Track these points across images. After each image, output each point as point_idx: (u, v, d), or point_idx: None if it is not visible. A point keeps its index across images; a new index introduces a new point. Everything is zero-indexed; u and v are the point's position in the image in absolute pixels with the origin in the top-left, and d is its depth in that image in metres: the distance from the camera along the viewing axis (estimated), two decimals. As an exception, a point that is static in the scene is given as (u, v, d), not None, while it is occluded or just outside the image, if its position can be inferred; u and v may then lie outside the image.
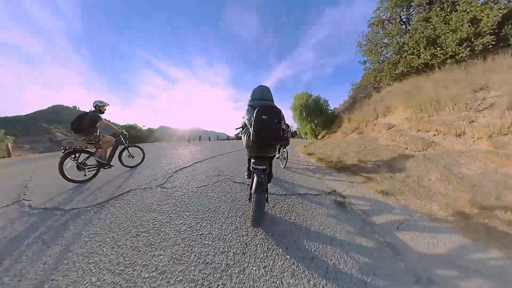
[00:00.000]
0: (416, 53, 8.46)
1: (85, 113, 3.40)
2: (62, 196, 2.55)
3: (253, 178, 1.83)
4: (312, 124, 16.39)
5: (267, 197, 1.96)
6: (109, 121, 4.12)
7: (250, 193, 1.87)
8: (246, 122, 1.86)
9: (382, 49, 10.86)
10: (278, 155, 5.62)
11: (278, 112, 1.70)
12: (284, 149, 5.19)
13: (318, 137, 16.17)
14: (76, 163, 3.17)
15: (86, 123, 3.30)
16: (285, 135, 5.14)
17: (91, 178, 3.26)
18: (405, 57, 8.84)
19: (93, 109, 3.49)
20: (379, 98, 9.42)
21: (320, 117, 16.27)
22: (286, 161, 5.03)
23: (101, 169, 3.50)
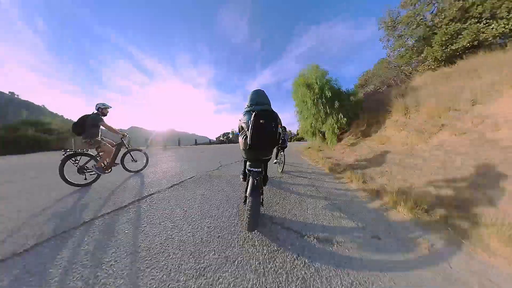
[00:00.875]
0: (484, 21, 6.91)
1: (87, 115, 3.41)
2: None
3: (248, 180, 1.90)
4: (337, 117, 8.72)
5: (263, 199, 2.03)
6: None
7: (245, 196, 1.90)
8: (244, 125, 1.92)
9: (433, 15, 8.59)
10: (276, 160, 5.52)
11: (275, 117, 1.76)
12: (282, 153, 5.07)
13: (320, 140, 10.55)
14: (77, 166, 3.22)
15: (88, 126, 3.33)
16: (282, 137, 5.05)
17: (92, 182, 3.29)
18: (470, 25, 7.16)
19: (96, 111, 3.52)
20: (433, 80, 7.31)
21: (342, 105, 8.96)
22: (284, 165, 4.98)
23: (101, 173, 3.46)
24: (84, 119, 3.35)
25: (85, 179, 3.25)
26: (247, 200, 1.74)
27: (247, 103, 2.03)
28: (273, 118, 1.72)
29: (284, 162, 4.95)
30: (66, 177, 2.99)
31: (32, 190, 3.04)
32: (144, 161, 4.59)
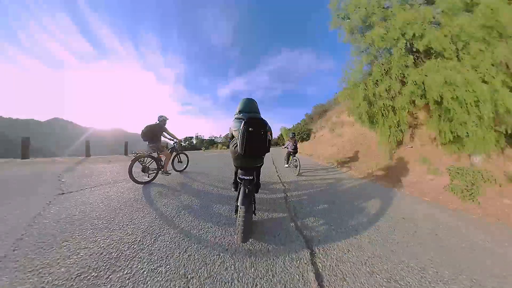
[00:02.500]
0: None
1: (153, 125, 4.04)
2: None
3: (239, 189, 1.83)
4: None
5: (255, 208, 1.97)
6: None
7: (237, 205, 1.82)
8: (234, 133, 1.93)
9: None
10: (286, 165, 5.94)
11: (264, 124, 1.77)
12: (295, 157, 5.43)
13: None
14: (143, 165, 3.71)
15: (154, 133, 3.99)
16: (294, 144, 5.91)
17: (151, 181, 3.74)
18: None
19: (158, 121, 4.18)
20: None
21: None
22: (299, 168, 5.14)
23: (160, 172, 4.05)
24: (150, 128, 3.96)
25: (148, 177, 3.73)
26: (239, 210, 1.67)
27: (236, 111, 2.06)
28: (263, 125, 1.73)
29: (299, 166, 5.19)
30: (133, 175, 3.39)
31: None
32: (186, 162, 5.35)
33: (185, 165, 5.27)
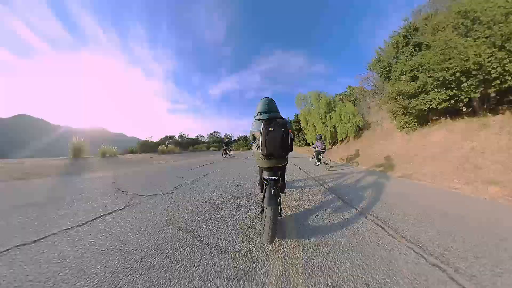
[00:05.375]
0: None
1: (227, 140, 15.84)
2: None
3: (265, 189, 1.84)
4: None
5: (281, 209, 1.99)
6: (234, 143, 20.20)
7: (262, 206, 1.88)
8: (255, 134, 1.99)
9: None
10: (318, 163, 6.49)
11: (285, 123, 1.79)
12: (323, 156, 6.11)
13: None
14: (225, 152, 12.53)
15: (228, 142, 13.98)
16: (323, 144, 6.60)
17: (225, 157, 12.16)
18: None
19: (227, 137, 15.90)
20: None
21: None
22: (331, 164, 5.77)
23: (228, 155, 12.62)
24: (226, 141, 14.57)
25: (225, 156, 12.26)
26: (264, 210, 1.69)
27: (256, 112, 2.06)
28: (283, 124, 1.74)
29: (330, 162, 5.84)
30: (222, 155, 12.23)
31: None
32: (232, 152, 13.94)
33: (232, 154, 13.61)
